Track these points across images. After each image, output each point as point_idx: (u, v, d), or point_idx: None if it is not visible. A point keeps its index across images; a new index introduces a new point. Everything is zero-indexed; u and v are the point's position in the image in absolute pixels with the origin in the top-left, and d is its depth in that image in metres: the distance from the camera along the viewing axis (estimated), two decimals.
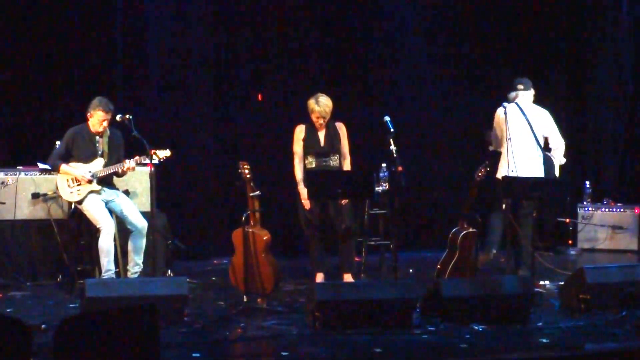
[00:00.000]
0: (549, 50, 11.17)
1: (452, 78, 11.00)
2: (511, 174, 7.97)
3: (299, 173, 8.00)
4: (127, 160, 7.75)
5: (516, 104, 8.42)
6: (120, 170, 7.84)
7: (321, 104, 7.92)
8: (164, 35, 9.98)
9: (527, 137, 8.32)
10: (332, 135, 8.03)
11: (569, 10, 11.22)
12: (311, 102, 7.97)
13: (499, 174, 8.34)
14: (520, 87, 8.47)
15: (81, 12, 9.62)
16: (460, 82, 11.00)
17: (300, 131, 8.05)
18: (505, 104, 8.16)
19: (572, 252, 10.49)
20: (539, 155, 8.39)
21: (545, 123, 8.44)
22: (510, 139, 7.94)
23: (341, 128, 8.09)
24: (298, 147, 8.04)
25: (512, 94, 8.48)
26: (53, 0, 9.58)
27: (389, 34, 10.84)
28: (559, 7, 11.18)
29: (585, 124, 11.31)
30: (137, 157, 7.71)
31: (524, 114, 8.36)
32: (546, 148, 8.50)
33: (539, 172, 8.33)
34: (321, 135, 8.02)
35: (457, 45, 10.99)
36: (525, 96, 8.46)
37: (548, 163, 8.40)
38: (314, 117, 7.98)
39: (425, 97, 10.98)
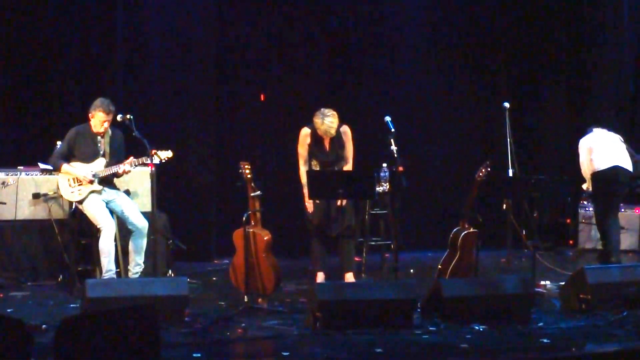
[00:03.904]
0: (550, 51, 11.16)
1: (453, 79, 10.99)
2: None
3: (304, 176, 7.85)
4: (125, 163, 7.75)
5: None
6: (119, 171, 7.85)
7: (326, 123, 7.78)
8: (165, 35, 9.96)
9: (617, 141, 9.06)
10: (337, 144, 7.94)
11: (569, 11, 11.21)
12: (317, 121, 7.82)
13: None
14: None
15: (82, 11, 9.61)
16: (460, 82, 10.99)
17: (305, 135, 7.94)
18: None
19: (572, 253, 10.48)
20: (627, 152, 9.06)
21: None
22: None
23: (346, 133, 7.99)
24: (303, 149, 7.96)
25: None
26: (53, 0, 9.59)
27: (390, 34, 10.84)
28: (560, 8, 11.17)
29: (586, 124, 11.28)
30: (134, 159, 7.71)
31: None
32: None
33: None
34: (326, 142, 7.97)
35: (458, 46, 10.99)
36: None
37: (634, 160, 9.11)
38: (319, 133, 7.88)
39: (426, 97, 10.97)
